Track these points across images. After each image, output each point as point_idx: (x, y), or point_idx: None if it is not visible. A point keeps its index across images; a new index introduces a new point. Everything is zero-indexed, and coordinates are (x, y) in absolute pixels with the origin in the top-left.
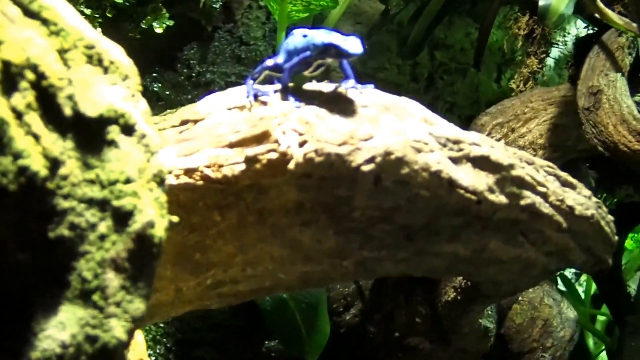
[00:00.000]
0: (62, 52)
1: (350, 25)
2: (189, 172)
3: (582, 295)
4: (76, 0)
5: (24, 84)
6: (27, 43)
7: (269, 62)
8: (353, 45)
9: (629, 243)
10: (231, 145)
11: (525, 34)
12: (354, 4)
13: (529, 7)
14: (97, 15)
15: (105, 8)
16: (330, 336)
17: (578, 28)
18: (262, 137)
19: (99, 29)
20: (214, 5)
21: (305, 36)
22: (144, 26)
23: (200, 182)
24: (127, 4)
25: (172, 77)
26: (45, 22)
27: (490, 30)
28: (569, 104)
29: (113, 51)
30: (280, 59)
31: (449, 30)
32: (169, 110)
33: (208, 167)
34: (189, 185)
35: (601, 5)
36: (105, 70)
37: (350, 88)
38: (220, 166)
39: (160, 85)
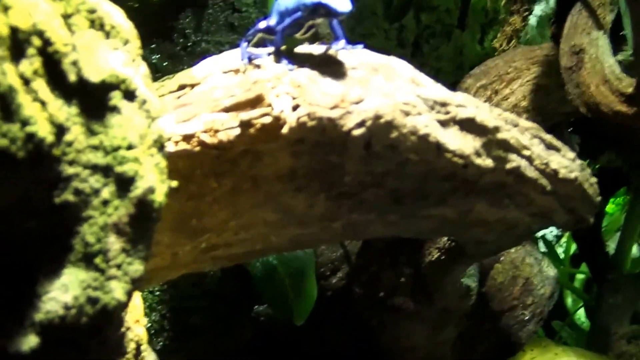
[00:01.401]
0: (66, 17)
1: None
2: (186, 138)
3: (562, 256)
4: None
5: (31, 51)
6: (32, 8)
7: (262, 25)
8: (342, 3)
9: (609, 207)
10: (226, 110)
11: None
12: None
13: None
14: None
15: None
16: (317, 300)
17: None
18: (256, 101)
19: None
20: None
21: None
22: None
23: (198, 148)
24: None
25: (168, 48)
26: None
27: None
28: (551, 64)
29: (114, 15)
30: (272, 21)
31: None
32: (167, 76)
33: (204, 132)
34: (187, 152)
35: None
36: (107, 34)
37: (340, 49)
38: (216, 131)
39: (157, 56)
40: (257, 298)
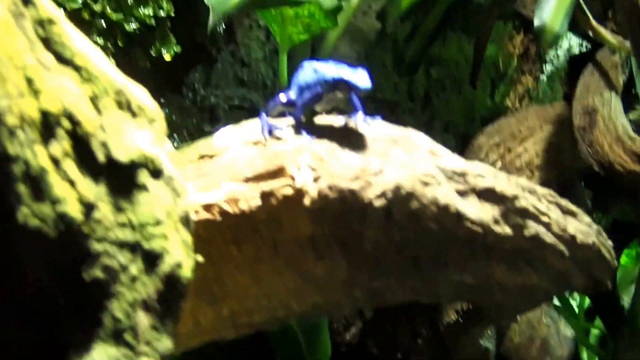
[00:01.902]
0: (94, 98)
1: (347, 43)
2: (207, 207)
3: (576, 310)
4: (90, 30)
5: (60, 132)
6: (62, 91)
7: (282, 98)
8: (362, 79)
9: (623, 259)
10: (247, 180)
11: (520, 54)
12: (350, 21)
13: (522, 23)
14: (109, 44)
15: (117, 37)
16: (331, 355)
17: (570, 41)
18: (277, 173)
19: (112, 59)
20: (219, 29)
21: (315, 71)
22: (153, 54)
23: (219, 217)
24: (137, 32)
25: (178, 102)
26: (77, 68)
27: (485, 48)
28: (564, 122)
29: (140, 95)
30: (292, 94)
31: (443, 46)
32: (185, 144)
33: (226, 202)
34: (208, 221)
35: (594, 23)
36: (134, 114)
37: (359, 121)
38: (238, 201)
39: (167, 110)
40: (272, 354)
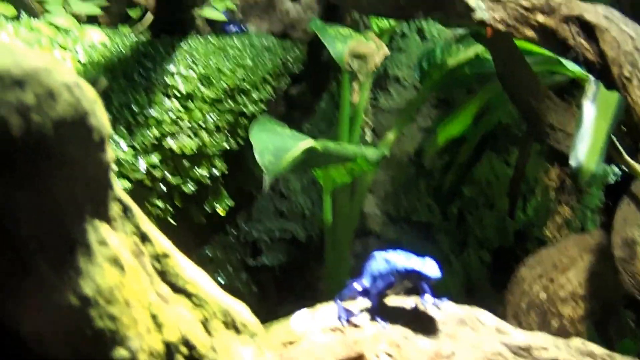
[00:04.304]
0: (205, 322)
1: (381, 169)
2: None
3: None
4: (151, 194)
5: (179, 358)
6: (179, 319)
7: (357, 287)
8: (432, 269)
9: None
10: None
11: (556, 187)
12: None
13: (556, 157)
14: (168, 206)
15: (175, 198)
16: None
17: (605, 170)
18: None
19: (170, 219)
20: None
21: (387, 261)
22: (207, 209)
23: None
24: (193, 191)
25: (222, 240)
26: (189, 295)
27: (522, 179)
28: (603, 252)
29: (242, 312)
30: (366, 282)
31: (473, 163)
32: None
33: None
34: None
35: (627, 158)
36: (238, 331)
37: (429, 304)
38: None
39: (212, 247)
40: None
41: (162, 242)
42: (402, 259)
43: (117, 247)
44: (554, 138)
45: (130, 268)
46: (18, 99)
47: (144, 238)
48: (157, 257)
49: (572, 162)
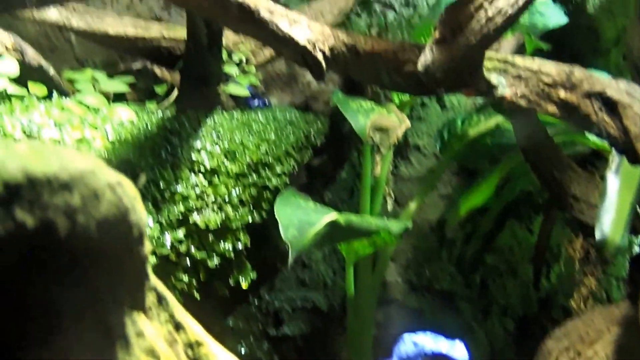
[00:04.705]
0: None
1: (403, 238)
2: None
3: None
4: (176, 269)
5: None
6: None
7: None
8: (460, 352)
9: None
10: None
11: (581, 258)
12: None
13: (580, 227)
14: (193, 281)
15: (200, 272)
16: None
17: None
18: None
19: (195, 293)
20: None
21: (415, 344)
22: (231, 283)
23: None
24: (217, 265)
25: (244, 309)
26: None
27: (546, 248)
28: (631, 323)
29: None
30: None
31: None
32: None
33: None
34: None
35: None
36: None
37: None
38: None
39: (234, 318)
40: None
41: (195, 330)
42: (431, 342)
43: (153, 337)
44: (578, 209)
45: (165, 358)
46: (65, 201)
47: (178, 326)
48: (191, 345)
49: (598, 235)
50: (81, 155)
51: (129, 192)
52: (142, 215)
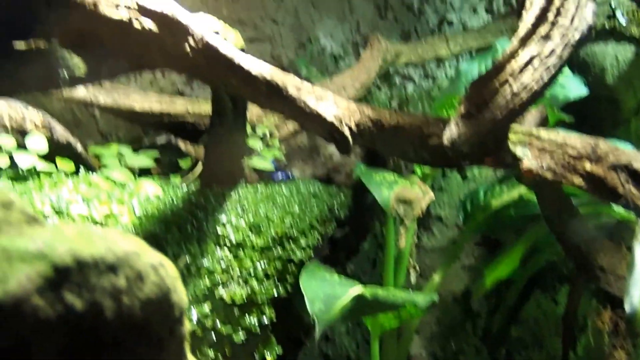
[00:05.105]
0: None
1: (427, 317)
2: None
3: None
4: (202, 344)
5: None
6: None
7: None
8: None
9: None
10: None
11: (610, 331)
12: None
13: (608, 299)
14: (219, 355)
15: (225, 347)
16: None
17: None
18: None
19: None
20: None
21: None
22: (257, 358)
23: None
24: (243, 340)
25: None
26: None
27: (575, 321)
28: None
29: None
30: None
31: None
32: None
33: None
34: None
35: None
36: None
37: None
38: None
39: None
40: None
41: None
42: None
43: None
44: (605, 280)
45: None
46: (111, 283)
47: None
48: None
49: (627, 308)
50: (125, 236)
51: (171, 273)
52: (183, 296)
